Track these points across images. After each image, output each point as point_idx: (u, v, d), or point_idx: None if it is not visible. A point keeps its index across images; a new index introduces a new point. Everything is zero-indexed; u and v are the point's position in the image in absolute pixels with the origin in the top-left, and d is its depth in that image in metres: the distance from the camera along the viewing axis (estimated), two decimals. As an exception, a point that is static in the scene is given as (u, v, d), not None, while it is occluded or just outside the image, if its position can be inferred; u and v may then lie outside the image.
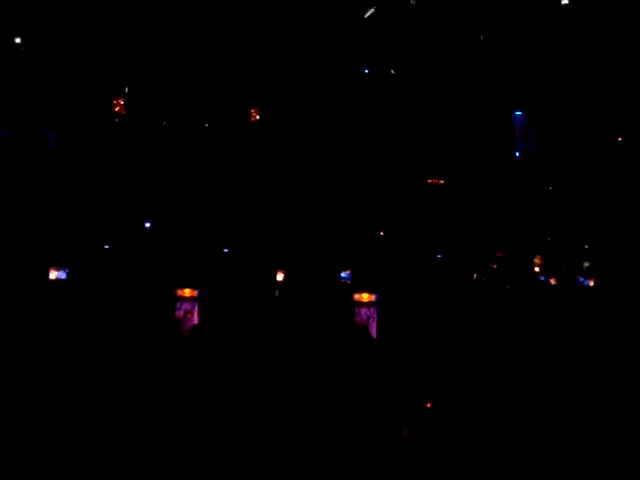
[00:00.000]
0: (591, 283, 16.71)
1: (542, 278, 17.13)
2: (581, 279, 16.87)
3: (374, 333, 15.28)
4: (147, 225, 16.04)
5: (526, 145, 17.21)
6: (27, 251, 15.35)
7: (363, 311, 15.38)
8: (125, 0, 15.73)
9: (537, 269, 17.21)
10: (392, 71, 16.24)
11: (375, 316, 15.36)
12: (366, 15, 16.00)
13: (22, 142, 16.11)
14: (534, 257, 17.30)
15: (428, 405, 11.78)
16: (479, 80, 16.66)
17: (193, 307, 15.11)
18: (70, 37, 15.73)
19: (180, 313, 15.07)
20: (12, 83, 15.75)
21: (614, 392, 12.00)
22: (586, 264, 17.26)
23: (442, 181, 16.92)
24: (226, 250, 16.10)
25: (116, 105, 16.07)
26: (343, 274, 16.02)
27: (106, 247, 15.73)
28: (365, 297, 15.44)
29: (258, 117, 16.34)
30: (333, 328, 14.94)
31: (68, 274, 15.27)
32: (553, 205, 17.27)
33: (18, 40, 15.72)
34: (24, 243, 15.43)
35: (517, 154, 17.10)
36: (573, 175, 17.23)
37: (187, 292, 15.18)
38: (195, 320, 15.09)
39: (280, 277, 15.90)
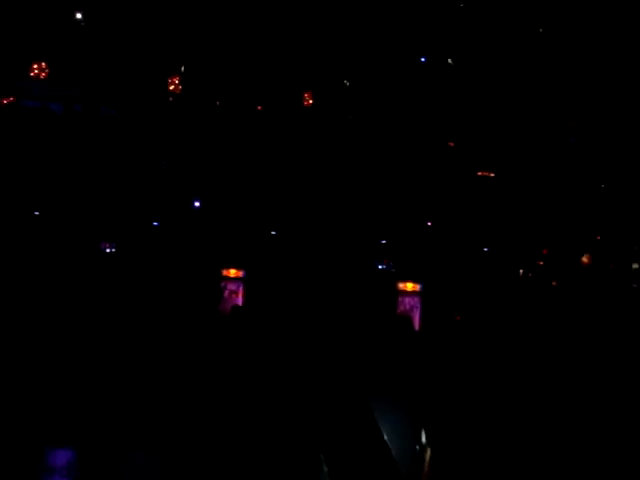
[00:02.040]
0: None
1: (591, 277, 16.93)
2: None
3: (417, 323, 15.23)
4: (196, 204, 16.16)
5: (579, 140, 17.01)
6: (80, 225, 15.55)
7: (407, 300, 15.34)
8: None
9: (584, 268, 17.01)
10: (449, 60, 16.13)
11: (419, 306, 15.31)
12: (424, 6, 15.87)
13: (76, 117, 16.29)
14: (582, 255, 17.10)
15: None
16: (537, 73, 16.48)
17: (238, 287, 15.20)
18: (129, 15, 15.85)
19: (225, 293, 15.16)
20: (70, 58, 15.92)
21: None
22: (635, 266, 17.03)
23: (492, 174, 16.79)
24: (273, 233, 16.15)
25: (171, 84, 16.17)
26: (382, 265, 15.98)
27: (155, 224, 15.87)
28: (409, 286, 15.39)
29: (311, 101, 16.34)
30: (376, 317, 14.92)
31: (117, 248, 15.45)
32: (605, 204, 17.06)
33: (79, 16, 15.89)
34: (77, 217, 15.63)
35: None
36: (626, 174, 16.99)
37: (232, 272, 15.26)
38: (239, 300, 15.18)
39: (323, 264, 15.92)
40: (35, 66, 15.87)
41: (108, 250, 15.44)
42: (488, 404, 11.49)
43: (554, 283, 16.85)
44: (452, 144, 16.50)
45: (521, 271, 16.83)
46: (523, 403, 11.58)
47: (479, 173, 16.78)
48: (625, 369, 13.12)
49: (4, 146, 15.66)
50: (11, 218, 15.40)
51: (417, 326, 15.19)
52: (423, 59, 16.24)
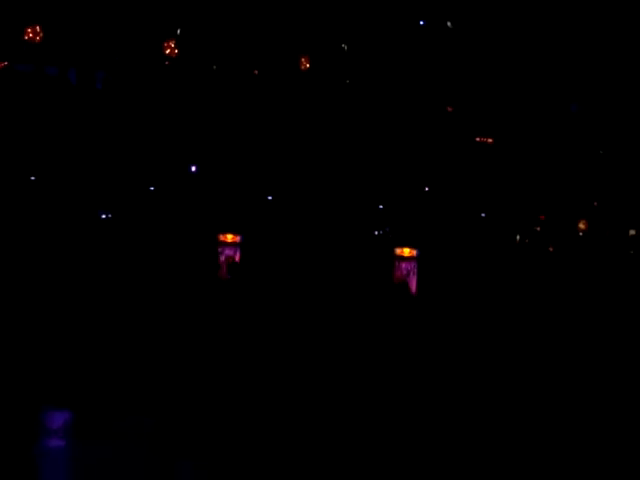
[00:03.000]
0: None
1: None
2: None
3: (414, 288, 15.24)
4: (192, 169, 16.07)
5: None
6: (77, 189, 15.47)
7: (404, 265, 15.34)
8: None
9: (581, 234, 17.01)
10: (448, 23, 15.97)
11: (415, 271, 15.31)
12: None
13: (71, 81, 16.14)
14: (579, 221, 17.09)
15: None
16: (537, 40, 16.34)
17: (235, 252, 15.17)
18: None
19: (222, 258, 15.14)
20: (64, 22, 15.74)
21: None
22: (632, 232, 17.03)
23: (490, 140, 16.72)
24: (269, 198, 16.09)
25: (167, 47, 16.01)
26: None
27: (151, 189, 15.80)
28: (406, 252, 15.38)
29: (308, 65, 16.20)
30: (373, 281, 14.91)
31: (114, 213, 15.39)
32: (602, 170, 17.01)
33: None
34: (71, 183, 15.54)
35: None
36: (624, 142, 16.92)
37: (229, 237, 15.23)
38: (237, 264, 15.15)
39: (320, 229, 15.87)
40: (29, 30, 15.69)
41: (104, 216, 15.38)
42: (483, 375, 11.46)
43: (551, 249, 16.86)
44: (450, 109, 16.40)
45: (518, 237, 16.82)
46: (521, 378, 11.54)
47: (477, 139, 16.71)
48: (622, 339, 13.10)
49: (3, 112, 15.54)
50: (7, 183, 15.31)
51: (414, 290, 15.21)
52: (422, 22, 16.09)
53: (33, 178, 15.60)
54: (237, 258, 15.14)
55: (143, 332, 11.69)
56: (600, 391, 10.41)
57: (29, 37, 15.73)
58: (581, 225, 17.09)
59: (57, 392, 8.84)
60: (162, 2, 15.81)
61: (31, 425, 7.86)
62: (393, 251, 15.38)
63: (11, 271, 13.35)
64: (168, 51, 16.00)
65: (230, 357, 11.03)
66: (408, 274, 15.27)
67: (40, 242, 14.63)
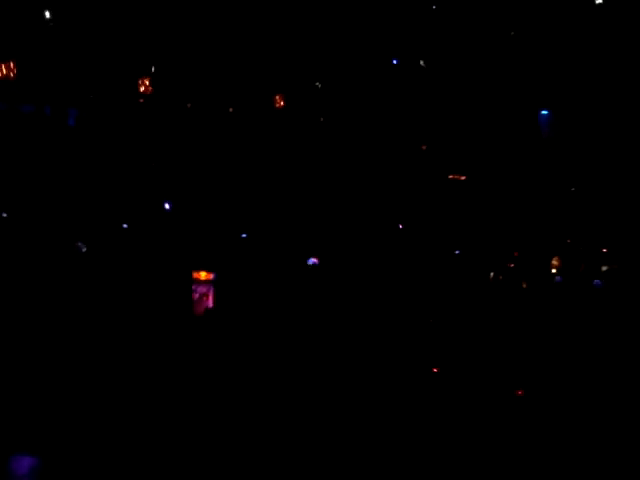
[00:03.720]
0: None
1: (558, 279, 17.05)
2: (596, 282, 16.78)
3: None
4: (166, 206, 16.06)
5: (550, 143, 17.12)
6: (47, 226, 15.40)
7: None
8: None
9: (554, 270, 17.13)
10: (421, 62, 16.17)
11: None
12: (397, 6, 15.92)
13: (46, 118, 16.15)
14: (552, 258, 17.22)
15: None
16: (506, 76, 16.56)
17: (208, 290, 15.12)
18: (99, 14, 15.74)
19: (195, 296, 15.07)
20: (40, 58, 15.78)
21: (624, 395, 11.94)
22: (604, 268, 17.17)
23: (463, 177, 16.86)
24: (244, 235, 16.10)
25: (141, 85, 16.08)
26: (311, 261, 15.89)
27: (124, 226, 15.76)
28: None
29: (283, 103, 16.32)
30: (347, 319, 14.89)
31: (86, 250, 15.32)
32: (574, 206, 17.18)
33: (48, 15, 15.75)
34: (44, 218, 15.48)
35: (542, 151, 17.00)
36: (596, 177, 17.12)
37: (203, 275, 15.18)
38: (210, 303, 15.10)
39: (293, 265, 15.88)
40: (3, 67, 15.70)
41: (79, 250, 15.30)
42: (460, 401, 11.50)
43: (524, 285, 16.94)
44: (424, 147, 16.55)
45: (492, 274, 16.90)
46: (494, 401, 11.59)
47: (450, 176, 16.85)
48: (594, 368, 13.19)
49: None
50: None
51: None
52: (395, 61, 16.28)
53: (5, 215, 15.53)
54: (210, 296, 15.09)
55: (115, 370, 11.59)
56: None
57: (2, 74, 15.75)
58: (554, 261, 17.22)
59: (21, 436, 8.74)
60: (137, 40, 15.90)
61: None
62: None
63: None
64: (142, 89, 16.07)
65: (203, 397, 10.97)
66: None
67: (11, 280, 14.52)
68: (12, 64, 15.70)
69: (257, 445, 9.06)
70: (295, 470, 8.22)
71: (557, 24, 16.16)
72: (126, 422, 9.75)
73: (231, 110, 16.38)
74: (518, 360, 13.74)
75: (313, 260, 15.21)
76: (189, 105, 16.26)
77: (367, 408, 10.80)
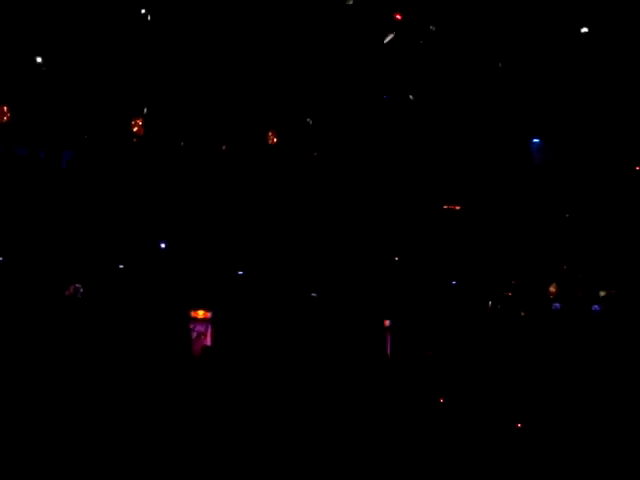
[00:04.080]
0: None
1: (556, 306, 17.03)
2: (595, 307, 16.77)
3: (387, 358, 15.20)
4: (162, 245, 16.07)
5: (543, 171, 17.18)
6: (41, 267, 15.39)
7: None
8: (144, 23, 15.86)
9: (552, 297, 17.12)
10: (410, 97, 16.27)
11: (388, 341, 15.30)
12: (385, 40, 16.05)
13: (40, 161, 16.21)
14: (549, 285, 17.21)
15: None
16: (497, 107, 16.66)
17: (206, 329, 15.11)
18: (90, 57, 15.85)
19: (193, 334, 15.06)
20: (32, 102, 15.87)
21: (624, 419, 11.91)
22: (602, 293, 17.15)
23: (458, 207, 16.89)
24: (240, 273, 16.10)
25: (134, 125, 16.15)
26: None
27: (120, 266, 15.75)
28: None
29: (275, 140, 16.39)
30: (347, 353, 14.87)
31: (82, 292, 15.31)
32: (570, 233, 17.20)
33: (39, 60, 15.86)
34: (38, 259, 15.48)
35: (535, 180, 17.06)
36: (590, 202, 17.16)
37: (200, 314, 15.18)
38: (208, 341, 15.08)
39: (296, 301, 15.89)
40: (-4, 111, 15.80)
41: (75, 295, 15.30)
42: (462, 435, 11.47)
43: (522, 313, 16.92)
44: (417, 178, 16.60)
45: (490, 303, 16.89)
46: (495, 435, 11.56)
47: (445, 206, 16.88)
48: (596, 392, 13.17)
49: None
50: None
51: (387, 361, 15.17)
52: (385, 96, 16.38)
53: (1, 259, 15.53)
54: (208, 334, 15.07)
55: (112, 409, 11.55)
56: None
57: (-3, 118, 15.83)
58: (552, 288, 17.21)
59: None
60: (129, 82, 16.01)
61: None
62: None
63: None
64: (136, 129, 16.14)
65: (202, 435, 10.93)
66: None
67: (7, 323, 14.49)
68: (5, 108, 15.79)
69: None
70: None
71: (545, 53, 16.29)
72: (131, 461, 9.72)
73: (224, 148, 16.45)
74: (518, 388, 13.71)
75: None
76: (182, 144, 16.32)
77: (371, 439, 10.76)
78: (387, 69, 16.28)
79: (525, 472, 10.20)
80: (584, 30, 16.09)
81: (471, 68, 16.36)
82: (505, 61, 16.47)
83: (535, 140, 17.08)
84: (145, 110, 16.10)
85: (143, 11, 15.65)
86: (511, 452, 11.00)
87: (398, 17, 15.97)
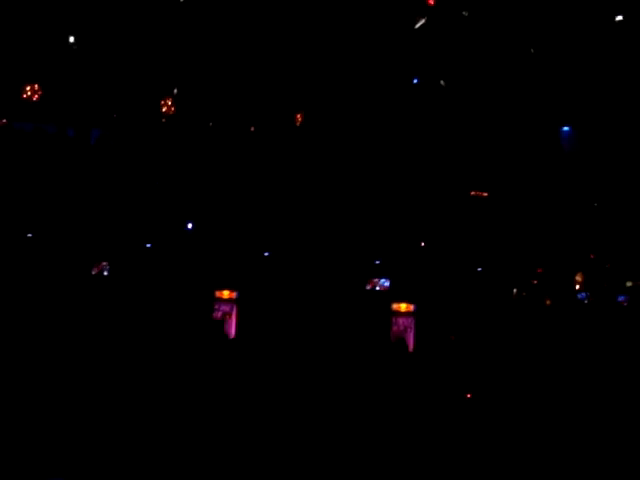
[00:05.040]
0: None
1: (582, 296, 16.95)
2: (621, 297, 16.68)
3: (411, 344, 15.21)
4: (189, 226, 16.14)
5: (572, 159, 17.05)
6: (70, 246, 15.51)
7: (401, 321, 15.33)
8: (176, 4, 15.87)
9: (578, 286, 17.03)
10: (441, 82, 16.18)
11: (413, 327, 15.29)
12: (417, 25, 15.97)
13: (69, 138, 16.29)
14: (575, 274, 17.12)
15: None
16: (527, 93, 16.53)
17: (231, 309, 15.17)
18: (123, 37, 15.89)
19: (218, 314, 15.14)
20: (64, 81, 15.94)
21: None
22: (629, 284, 17.05)
23: (485, 193, 16.81)
24: (266, 254, 16.13)
25: (164, 105, 16.19)
26: (382, 281, 15.96)
27: (148, 246, 15.84)
28: (403, 307, 15.39)
29: (303, 122, 16.36)
30: (370, 337, 14.89)
31: (109, 271, 15.42)
32: (597, 222, 17.08)
33: (72, 39, 15.92)
34: (67, 238, 15.59)
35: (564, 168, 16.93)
36: (619, 192, 17.03)
37: (226, 294, 15.24)
38: (233, 321, 15.15)
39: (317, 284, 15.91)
40: (28, 88, 15.88)
41: (102, 272, 15.40)
42: (481, 425, 11.45)
43: (548, 302, 16.85)
44: (445, 164, 16.53)
45: (515, 290, 16.82)
46: (517, 425, 11.53)
47: (472, 193, 16.80)
48: (619, 386, 13.11)
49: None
50: (5, 240, 15.37)
51: (411, 347, 15.17)
52: (415, 80, 16.30)
53: (30, 235, 15.66)
54: (233, 314, 15.13)
55: (138, 389, 11.64)
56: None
57: (27, 95, 15.92)
58: (578, 277, 17.11)
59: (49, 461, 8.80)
60: (160, 61, 16.03)
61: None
62: (390, 307, 15.38)
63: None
64: (165, 109, 16.17)
65: (227, 415, 11.00)
66: (406, 330, 15.25)
67: (37, 299, 14.63)
68: (37, 86, 15.88)
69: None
70: None
71: (578, 40, 16.13)
72: (150, 442, 9.80)
73: (252, 129, 16.45)
74: (542, 377, 13.67)
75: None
76: (211, 124, 16.34)
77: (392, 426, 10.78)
78: (418, 54, 16.19)
79: (554, 463, 10.19)
80: (619, 18, 15.91)
81: (502, 54, 16.24)
82: (537, 47, 16.33)
83: (565, 128, 16.95)
84: (175, 90, 16.13)
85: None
86: (534, 441, 10.98)
87: (430, 2, 15.88)
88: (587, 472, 9.79)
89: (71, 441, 9.55)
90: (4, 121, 16.02)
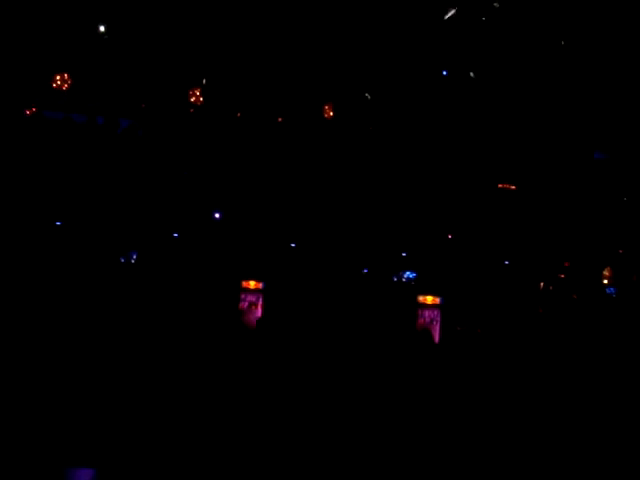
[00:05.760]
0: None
1: (610, 290, 16.82)
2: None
3: (436, 337, 15.18)
4: (216, 216, 16.19)
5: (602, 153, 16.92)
6: (99, 235, 15.62)
7: (427, 313, 15.29)
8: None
9: (606, 281, 16.91)
10: (471, 73, 16.10)
11: (438, 319, 15.26)
12: (447, 16, 15.88)
13: (98, 128, 16.39)
14: (603, 269, 16.99)
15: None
16: (558, 86, 16.41)
17: (257, 299, 15.21)
18: (152, 27, 15.94)
19: (244, 304, 15.18)
20: (94, 70, 16.03)
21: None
22: (657, 279, 16.88)
23: (513, 186, 16.73)
24: (293, 245, 16.16)
25: (192, 95, 16.24)
26: (407, 273, 15.94)
27: (175, 235, 15.92)
28: (429, 299, 15.35)
29: (332, 114, 16.35)
30: (395, 329, 14.87)
31: (136, 259, 15.51)
32: (627, 216, 16.94)
33: (102, 28, 16.01)
34: (96, 227, 15.71)
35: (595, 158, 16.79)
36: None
37: (252, 284, 15.28)
38: (259, 312, 15.19)
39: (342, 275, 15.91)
40: (58, 77, 15.99)
41: (128, 260, 15.50)
42: (503, 418, 11.41)
43: (575, 296, 16.74)
44: (474, 157, 16.46)
45: (542, 284, 16.73)
46: (540, 418, 11.48)
47: (500, 185, 16.72)
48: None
49: (27, 156, 15.79)
50: (33, 228, 15.50)
51: (437, 339, 15.13)
52: (445, 72, 16.23)
53: (59, 223, 15.79)
54: (259, 304, 15.17)
55: (163, 376, 11.70)
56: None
57: (57, 84, 16.03)
58: (606, 272, 16.98)
59: (77, 449, 8.87)
60: (189, 52, 16.08)
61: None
62: (416, 299, 15.35)
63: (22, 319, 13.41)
64: (193, 99, 16.22)
65: (251, 403, 11.04)
66: (431, 322, 15.22)
67: (64, 286, 14.75)
68: (66, 75, 15.98)
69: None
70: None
71: (611, 33, 15.99)
72: (179, 428, 9.86)
73: (280, 120, 16.46)
74: (568, 371, 13.59)
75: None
76: (239, 115, 16.37)
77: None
78: (448, 45, 16.11)
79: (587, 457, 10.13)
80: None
81: (533, 45, 16.13)
82: (568, 40, 16.20)
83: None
84: (204, 81, 16.17)
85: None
86: (559, 433, 10.94)
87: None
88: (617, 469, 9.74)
89: (95, 427, 9.63)
90: (34, 110, 16.14)
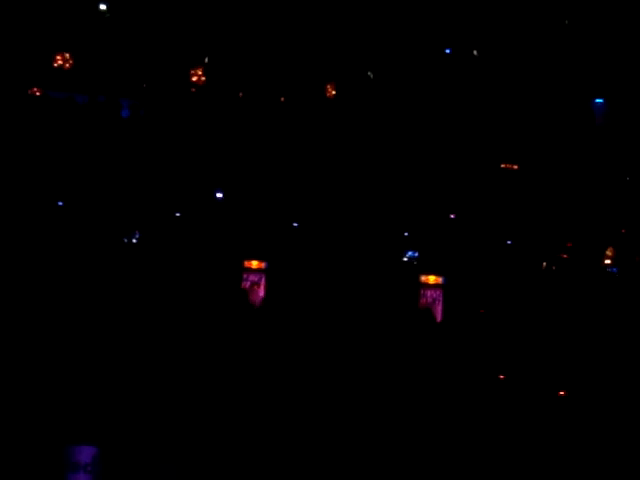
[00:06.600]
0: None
1: (613, 270, 16.82)
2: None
3: (439, 316, 15.19)
4: (219, 195, 16.19)
5: (604, 132, 16.86)
6: (101, 214, 15.63)
7: (429, 293, 15.30)
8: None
9: (608, 261, 16.90)
10: (474, 52, 16.03)
11: (441, 299, 15.26)
12: None
13: (99, 107, 16.36)
14: (606, 249, 16.98)
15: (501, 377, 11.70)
16: (560, 65, 16.34)
17: (260, 279, 15.22)
18: (153, 6, 15.89)
19: (246, 284, 15.19)
20: (95, 49, 15.99)
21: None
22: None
23: (516, 166, 16.69)
24: (295, 224, 16.16)
25: (194, 75, 16.20)
26: (410, 253, 15.95)
27: (177, 214, 15.93)
28: (432, 279, 15.35)
29: (334, 93, 16.31)
30: (397, 309, 14.88)
31: (138, 239, 15.53)
32: (629, 195, 16.91)
33: (103, 7, 15.95)
34: (98, 207, 15.71)
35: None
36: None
37: (254, 264, 15.29)
38: (261, 292, 15.20)
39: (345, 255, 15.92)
40: (59, 57, 15.95)
41: (130, 240, 15.52)
42: (511, 396, 11.43)
43: (577, 276, 16.73)
44: (476, 136, 16.42)
45: (544, 264, 16.73)
46: (540, 400, 11.50)
47: (502, 165, 16.69)
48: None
49: (31, 136, 15.78)
50: (35, 208, 15.52)
51: (439, 319, 15.15)
52: (448, 50, 16.16)
53: (61, 203, 15.80)
54: (262, 284, 15.19)
55: (164, 357, 11.73)
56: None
57: (59, 64, 15.99)
58: (608, 252, 16.97)
59: (80, 426, 8.91)
60: (190, 31, 16.02)
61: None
62: (418, 278, 15.35)
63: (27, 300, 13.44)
64: (195, 78, 16.18)
65: (253, 384, 11.07)
66: (434, 302, 15.22)
67: (65, 266, 14.77)
68: (68, 55, 15.94)
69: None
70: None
71: (613, 11, 15.91)
72: (179, 409, 9.89)
73: (282, 99, 16.42)
74: (569, 352, 13.61)
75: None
76: (241, 94, 16.33)
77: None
78: (450, 23, 16.04)
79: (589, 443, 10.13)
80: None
81: (536, 25, 16.05)
82: (571, 18, 16.12)
83: (597, 100, 16.74)
84: (206, 60, 16.13)
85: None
86: (560, 416, 10.94)
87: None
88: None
89: (97, 405, 9.67)
90: (35, 91, 16.12)
